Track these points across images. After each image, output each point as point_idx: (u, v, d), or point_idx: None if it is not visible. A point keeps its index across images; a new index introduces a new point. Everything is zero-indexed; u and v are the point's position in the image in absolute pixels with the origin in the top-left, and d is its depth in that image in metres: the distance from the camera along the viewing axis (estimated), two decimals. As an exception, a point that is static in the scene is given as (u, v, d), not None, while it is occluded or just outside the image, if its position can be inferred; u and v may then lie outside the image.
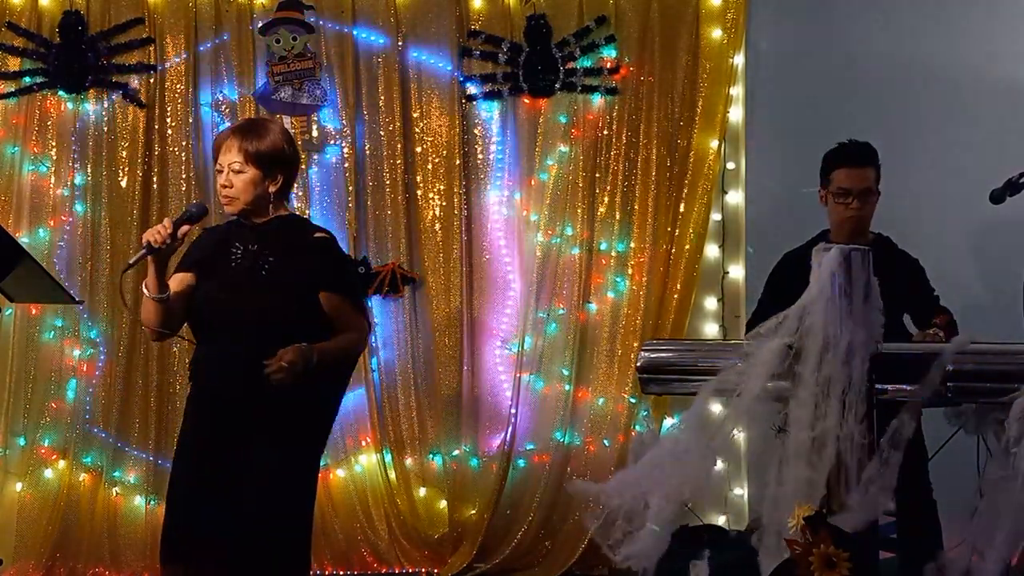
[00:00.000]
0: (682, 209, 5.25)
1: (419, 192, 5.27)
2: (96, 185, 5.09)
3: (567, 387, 5.23)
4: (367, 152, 5.24)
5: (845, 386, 2.42)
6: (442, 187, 5.26)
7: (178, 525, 3.34)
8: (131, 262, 3.33)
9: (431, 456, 5.24)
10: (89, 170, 5.10)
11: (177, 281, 3.40)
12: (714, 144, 5.27)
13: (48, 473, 5.04)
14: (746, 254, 5.33)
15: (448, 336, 5.25)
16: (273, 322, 3.27)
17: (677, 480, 2.52)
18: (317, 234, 3.46)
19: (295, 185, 5.07)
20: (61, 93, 5.09)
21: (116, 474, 5.05)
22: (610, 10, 5.27)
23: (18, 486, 5.04)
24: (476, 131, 5.30)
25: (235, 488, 3.25)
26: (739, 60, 5.33)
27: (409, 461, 5.23)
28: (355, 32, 5.23)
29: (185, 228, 3.31)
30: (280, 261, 3.35)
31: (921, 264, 4.10)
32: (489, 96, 5.27)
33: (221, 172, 3.38)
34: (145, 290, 3.32)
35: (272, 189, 3.38)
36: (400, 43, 5.24)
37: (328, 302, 3.35)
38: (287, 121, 5.15)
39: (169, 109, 5.15)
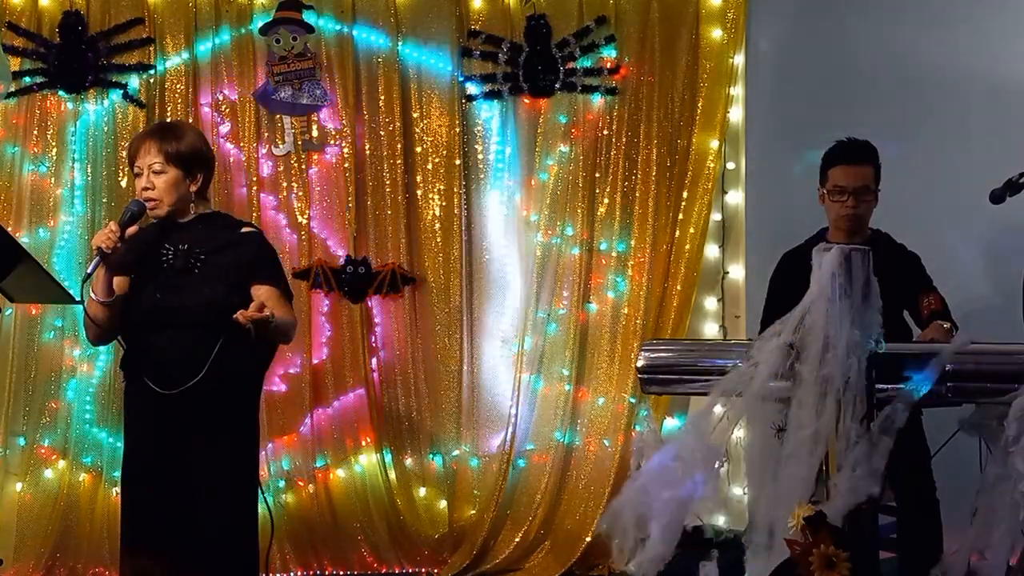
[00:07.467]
0: (682, 209, 5.25)
1: (419, 192, 5.27)
2: (96, 185, 5.09)
3: (567, 387, 5.23)
4: (367, 152, 5.24)
5: (842, 385, 2.41)
6: (442, 187, 5.26)
7: (133, 519, 3.44)
8: (89, 271, 3.39)
9: (431, 456, 5.25)
10: (89, 170, 5.09)
11: (116, 284, 3.47)
12: (714, 144, 5.27)
13: (48, 473, 5.03)
14: (746, 254, 5.33)
15: (448, 336, 5.25)
16: (214, 315, 3.33)
17: (686, 487, 2.50)
18: (244, 228, 3.59)
19: (296, 186, 5.16)
20: (61, 93, 5.09)
21: (116, 474, 5.02)
22: (610, 10, 5.27)
23: (18, 486, 5.04)
24: (476, 131, 5.30)
25: (184, 484, 3.35)
26: (739, 60, 5.34)
27: (409, 461, 5.23)
28: (355, 32, 5.22)
29: (132, 229, 3.39)
30: (211, 257, 3.44)
31: (919, 257, 4.09)
32: (489, 96, 5.27)
33: (140, 175, 3.46)
34: (93, 294, 3.41)
35: (193, 188, 3.49)
36: (400, 43, 5.24)
37: (260, 293, 3.42)
38: (287, 121, 5.16)
39: (169, 109, 5.14)
